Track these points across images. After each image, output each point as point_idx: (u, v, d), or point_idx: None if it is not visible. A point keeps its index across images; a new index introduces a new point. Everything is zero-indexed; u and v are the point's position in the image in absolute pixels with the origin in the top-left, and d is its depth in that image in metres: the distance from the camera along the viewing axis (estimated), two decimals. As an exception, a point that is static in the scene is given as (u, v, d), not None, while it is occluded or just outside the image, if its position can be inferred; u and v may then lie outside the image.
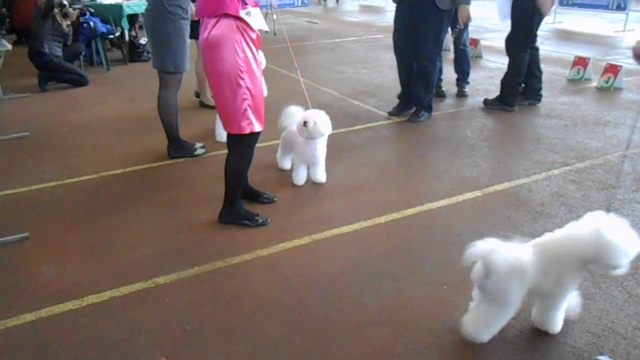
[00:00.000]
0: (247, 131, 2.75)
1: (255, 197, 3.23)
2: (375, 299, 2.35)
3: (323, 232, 2.91)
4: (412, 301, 2.33)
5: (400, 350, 2.06)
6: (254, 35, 2.68)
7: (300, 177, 3.46)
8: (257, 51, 2.74)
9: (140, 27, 9.47)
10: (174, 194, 3.42)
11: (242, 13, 2.58)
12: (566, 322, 2.16)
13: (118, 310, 2.30)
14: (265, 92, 2.91)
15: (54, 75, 6.18)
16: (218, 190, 3.08)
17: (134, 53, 7.72)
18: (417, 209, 3.17)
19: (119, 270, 2.58)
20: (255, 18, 2.64)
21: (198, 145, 4.04)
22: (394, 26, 4.69)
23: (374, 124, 4.76)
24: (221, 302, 2.35)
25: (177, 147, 3.98)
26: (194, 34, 3.91)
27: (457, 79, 5.64)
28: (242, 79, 2.65)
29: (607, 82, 5.78)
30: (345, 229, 2.95)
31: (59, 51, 6.14)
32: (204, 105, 5.23)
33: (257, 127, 2.78)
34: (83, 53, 7.11)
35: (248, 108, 2.71)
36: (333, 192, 3.43)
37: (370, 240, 2.85)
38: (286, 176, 3.65)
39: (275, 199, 3.25)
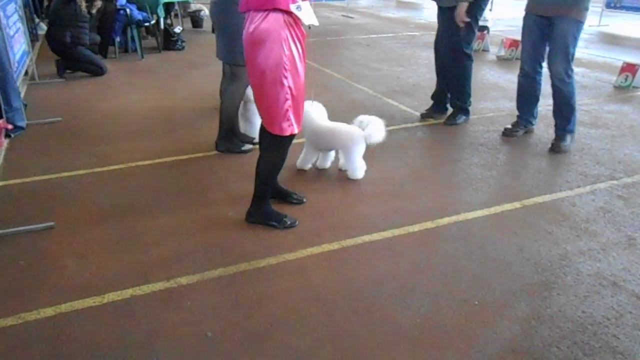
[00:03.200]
0: (288, 133, 2.64)
1: (284, 197, 3.13)
2: (406, 315, 2.22)
3: (353, 238, 2.79)
4: (445, 320, 2.20)
5: (432, 373, 1.93)
6: (303, 31, 2.54)
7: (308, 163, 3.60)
8: (304, 48, 2.61)
9: (176, 15, 9.48)
10: (201, 189, 3.34)
11: (292, 7, 2.42)
12: (614, 354, 2.00)
13: (139, 310, 2.23)
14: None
15: (72, 64, 6.06)
16: (248, 188, 2.98)
17: (168, 41, 7.70)
18: (453, 218, 3.02)
19: (142, 268, 2.52)
20: (305, 13, 2.49)
21: (248, 145, 3.96)
22: (438, 25, 4.53)
23: (409, 124, 4.60)
24: (245, 308, 2.26)
25: (227, 141, 3.91)
26: None
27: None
28: (286, 77, 2.51)
29: (657, 91, 5.48)
30: (376, 236, 2.82)
31: (84, 38, 5.95)
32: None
33: (297, 129, 2.67)
34: (118, 39, 7.12)
35: (289, 109, 2.59)
36: (365, 195, 3.30)
37: (402, 249, 2.71)
38: (315, 176, 3.54)
39: (304, 200, 3.15)
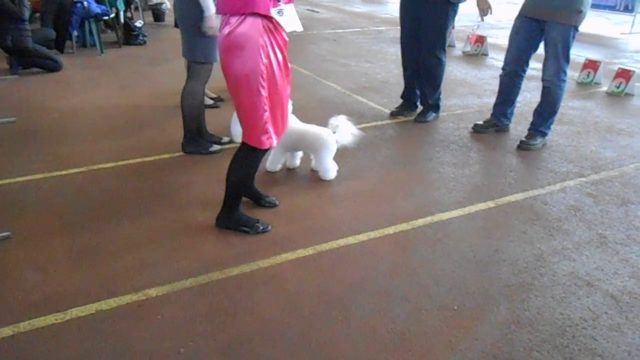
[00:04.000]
0: (266, 146, 2.51)
1: (257, 199, 3.03)
2: (386, 322, 2.16)
3: (328, 242, 2.72)
4: (425, 326, 2.15)
5: (415, 384, 1.89)
6: (284, 37, 2.39)
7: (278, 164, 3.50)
8: (285, 56, 2.45)
9: (136, 9, 9.17)
10: (169, 193, 3.20)
11: (273, 12, 2.26)
12: (593, 357, 2.00)
13: (105, 326, 2.10)
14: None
15: (25, 60, 5.73)
16: (218, 191, 2.88)
17: (129, 36, 7.43)
18: (428, 219, 2.98)
19: (107, 280, 2.38)
20: (288, 18, 2.32)
21: (216, 146, 3.81)
22: (401, 22, 4.47)
23: (379, 122, 4.56)
24: (218, 320, 2.16)
25: (193, 142, 3.74)
26: None
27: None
28: (263, 87, 2.36)
29: (618, 87, 5.62)
30: (352, 240, 2.76)
31: (26, 40, 5.54)
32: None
33: (275, 142, 2.54)
34: (76, 34, 6.82)
35: (268, 121, 2.44)
36: (338, 196, 3.24)
37: (378, 253, 2.66)
38: (286, 178, 3.45)
39: (277, 203, 3.06)
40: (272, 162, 3.44)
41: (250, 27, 2.26)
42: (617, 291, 2.41)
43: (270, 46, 2.32)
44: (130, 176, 3.41)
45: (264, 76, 2.34)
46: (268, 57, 2.32)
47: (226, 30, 2.30)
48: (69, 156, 3.66)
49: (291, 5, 2.36)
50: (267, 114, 2.42)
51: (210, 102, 4.77)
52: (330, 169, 3.36)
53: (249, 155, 2.59)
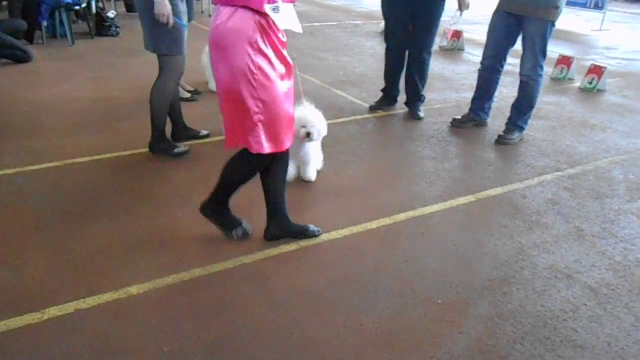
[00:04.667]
0: (254, 151, 2.29)
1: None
2: (372, 318, 2.16)
3: (312, 238, 2.70)
4: (411, 321, 2.16)
5: (402, 378, 1.89)
6: (279, 37, 2.20)
7: (290, 174, 3.13)
8: (282, 55, 2.24)
9: (109, -1, 8.95)
10: (147, 188, 3.14)
11: (267, 8, 2.08)
12: (574, 349, 2.04)
13: (85, 326, 2.04)
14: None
15: None
16: (197, 186, 2.83)
17: (101, 27, 7.24)
18: (410, 214, 2.99)
19: (86, 278, 2.31)
20: (284, 16, 2.14)
21: (182, 148, 3.61)
22: (388, 16, 4.45)
23: (359, 117, 4.56)
24: (202, 317, 2.12)
25: (160, 141, 3.56)
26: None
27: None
28: (254, 88, 2.17)
29: (590, 83, 5.74)
30: (335, 235, 2.75)
31: None
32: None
33: (267, 149, 2.29)
34: (45, 24, 6.62)
35: (260, 124, 2.23)
36: (321, 192, 3.22)
37: (362, 248, 2.66)
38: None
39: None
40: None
41: (241, 21, 2.09)
42: (596, 283, 2.46)
43: (264, 44, 2.14)
44: (107, 171, 3.33)
45: (255, 76, 2.15)
46: (259, 55, 2.14)
47: (215, 23, 2.15)
48: (42, 150, 3.55)
49: (290, 5, 2.20)
50: (259, 116, 2.23)
51: (187, 95, 4.69)
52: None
53: (251, 160, 2.39)
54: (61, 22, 6.78)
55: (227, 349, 1.97)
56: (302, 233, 2.69)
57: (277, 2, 2.10)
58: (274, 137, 2.30)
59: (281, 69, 2.24)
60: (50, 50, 6.35)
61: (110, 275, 2.33)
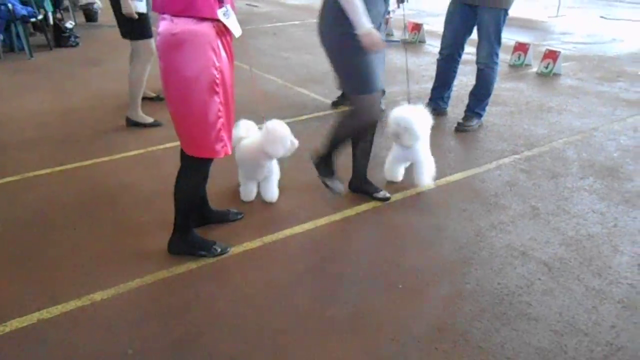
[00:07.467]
0: (222, 155, 2.28)
1: (223, 218, 2.83)
2: (336, 307, 2.21)
3: (274, 234, 2.74)
4: (374, 307, 2.22)
5: (364, 362, 1.94)
6: (229, 41, 2.21)
7: (251, 193, 3.08)
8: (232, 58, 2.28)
9: (66, 10, 8.81)
10: (110, 195, 3.13)
11: (219, 13, 2.07)
12: (528, 321, 2.13)
13: (49, 336, 2.04)
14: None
15: None
16: (160, 189, 2.84)
17: (60, 38, 7.12)
18: (371, 203, 3.06)
19: (48, 287, 2.31)
20: (232, 20, 2.16)
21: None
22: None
23: (321, 113, 4.60)
24: (168, 318, 2.15)
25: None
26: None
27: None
28: (217, 92, 2.15)
29: (546, 68, 5.89)
30: (298, 229, 2.79)
31: None
32: (133, 124, 4.17)
33: (230, 149, 2.31)
34: (1, 38, 6.49)
35: (222, 128, 2.22)
36: (284, 189, 3.25)
37: (324, 240, 2.71)
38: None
39: (242, 214, 2.89)
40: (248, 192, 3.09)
41: (200, 25, 2.07)
42: (549, 258, 2.56)
43: (223, 48, 2.16)
44: (68, 182, 3.31)
45: (218, 80, 2.14)
46: (220, 60, 2.14)
47: (170, 27, 2.07)
48: (0, 165, 3.50)
49: (232, 11, 2.20)
50: (222, 120, 2.22)
51: (153, 94, 4.71)
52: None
53: (197, 165, 2.38)
54: (18, 35, 6.66)
55: (194, 346, 2.00)
56: (208, 249, 2.55)
57: (224, 6, 2.10)
58: (230, 136, 2.32)
59: (231, 71, 2.28)
60: (7, 64, 6.24)
61: (74, 284, 2.33)
